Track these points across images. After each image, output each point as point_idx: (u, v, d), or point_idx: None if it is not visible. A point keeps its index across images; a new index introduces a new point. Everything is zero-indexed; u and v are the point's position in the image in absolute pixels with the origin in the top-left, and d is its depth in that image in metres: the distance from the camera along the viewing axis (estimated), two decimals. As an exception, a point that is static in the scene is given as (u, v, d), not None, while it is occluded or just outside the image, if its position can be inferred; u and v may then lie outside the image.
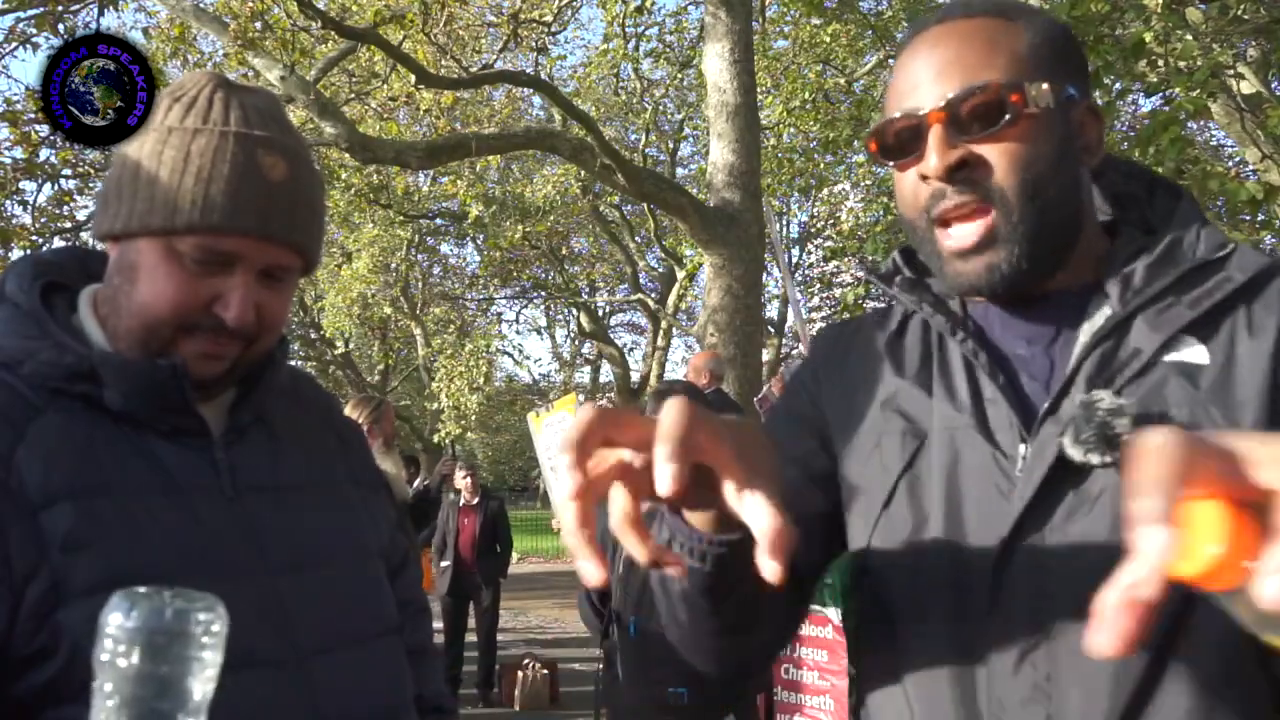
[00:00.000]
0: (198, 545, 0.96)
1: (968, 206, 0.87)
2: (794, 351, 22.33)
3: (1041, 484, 0.83)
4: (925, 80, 0.88)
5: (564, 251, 18.86)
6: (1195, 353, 0.84)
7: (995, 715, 0.83)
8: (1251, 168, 6.88)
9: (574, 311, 21.49)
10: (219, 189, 0.96)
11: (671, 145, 16.77)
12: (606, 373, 19.82)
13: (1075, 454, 0.82)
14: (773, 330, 18.86)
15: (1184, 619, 0.76)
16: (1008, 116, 0.85)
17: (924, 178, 0.89)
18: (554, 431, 5.37)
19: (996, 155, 0.86)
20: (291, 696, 0.97)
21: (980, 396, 0.90)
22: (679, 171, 16.39)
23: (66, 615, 0.88)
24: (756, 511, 0.64)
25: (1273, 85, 6.27)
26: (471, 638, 7.28)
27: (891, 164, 0.93)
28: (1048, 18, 0.93)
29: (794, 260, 21.50)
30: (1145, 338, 0.85)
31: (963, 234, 0.88)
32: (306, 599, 1.02)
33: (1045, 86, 0.87)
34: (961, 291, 0.93)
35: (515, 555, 18.83)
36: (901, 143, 0.90)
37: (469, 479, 7.31)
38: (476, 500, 7.30)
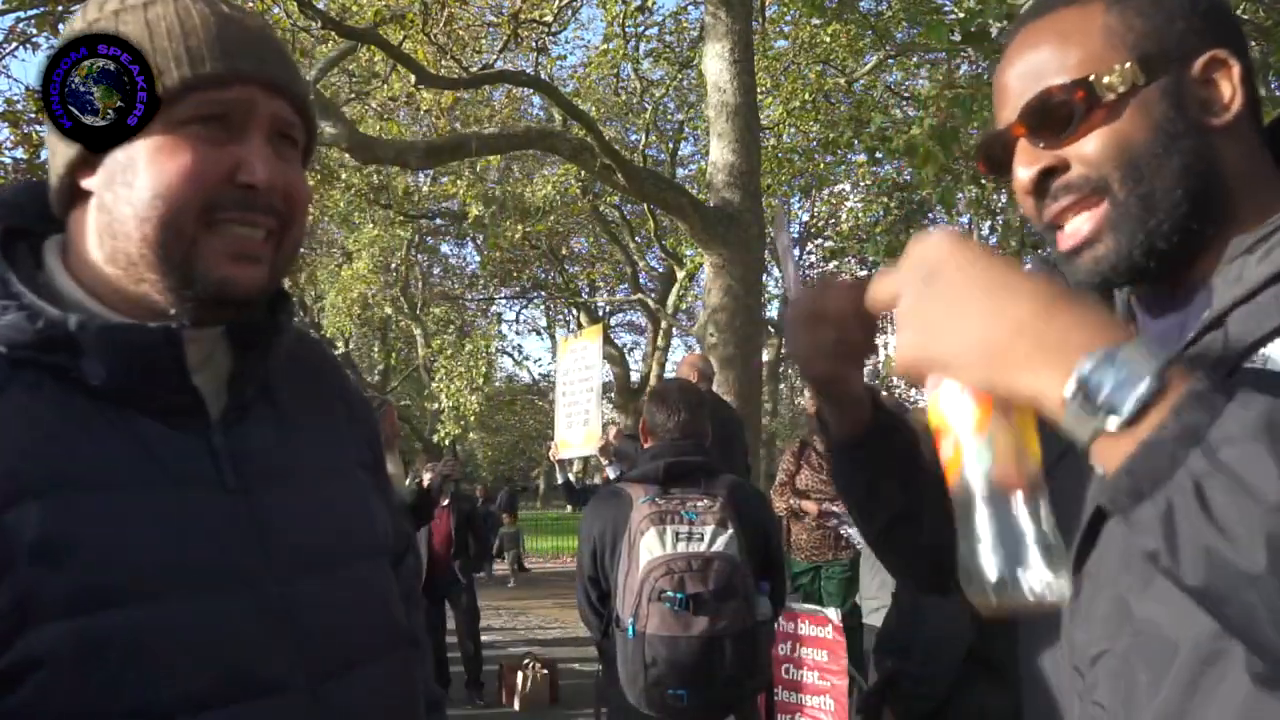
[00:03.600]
0: (192, 548, 0.83)
1: (1074, 205, 0.84)
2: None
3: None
4: (1010, 92, 0.88)
5: (564, 251, 18.88)
6: None
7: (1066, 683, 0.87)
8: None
9: (574, 311, 21.48)
10: (200, 39, 0.85)
11: (671, 145, 16.77)
12: (606, 372, 19.83)
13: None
14: (773, 330, 18.85)
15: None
16: (1078, 116, 0.82)
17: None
18: (575, 357, 5.69)
19: (1084, 151, 0.83)
20: None
21: None
22: (679, 171, 16.39)
23: (38, 640, 0.74)
24: None
25: (1272, 85, 6.27)
26: (451, 639, 7.27)
27: (1005, 179, 0.92)
28: None
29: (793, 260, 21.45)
30: (1235, 336, 0.77)
31: (1074, 228, 0.85)
32: (319, 609, 0.89)
33: (1128, 65, 0.82)
34: (1082, 289, 0.88)
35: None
36: (999, 159, 0.90)
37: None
38: (447, 501, 7.34)
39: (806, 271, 19.88)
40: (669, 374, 16.76)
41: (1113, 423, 0.59)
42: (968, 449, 0.65)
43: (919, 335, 0.67)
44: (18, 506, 0.75)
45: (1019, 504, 0.63)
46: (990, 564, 0.62)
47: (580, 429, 5.48)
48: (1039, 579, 0.61)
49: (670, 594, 2.63)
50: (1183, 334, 0.82)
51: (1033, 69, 0.86)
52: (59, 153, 0.87)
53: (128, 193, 0.84)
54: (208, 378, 0.89)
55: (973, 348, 0.65)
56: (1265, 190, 0.83)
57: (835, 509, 5.35)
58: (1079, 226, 0.84)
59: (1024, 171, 0.86)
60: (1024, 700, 0.98)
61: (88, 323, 0.82)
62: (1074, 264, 0.86)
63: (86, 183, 0.87)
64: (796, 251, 21.36)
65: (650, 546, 2.68)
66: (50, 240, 0.91)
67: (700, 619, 2.63)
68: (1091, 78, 0.82)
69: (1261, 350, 0.75)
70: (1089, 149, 0.82)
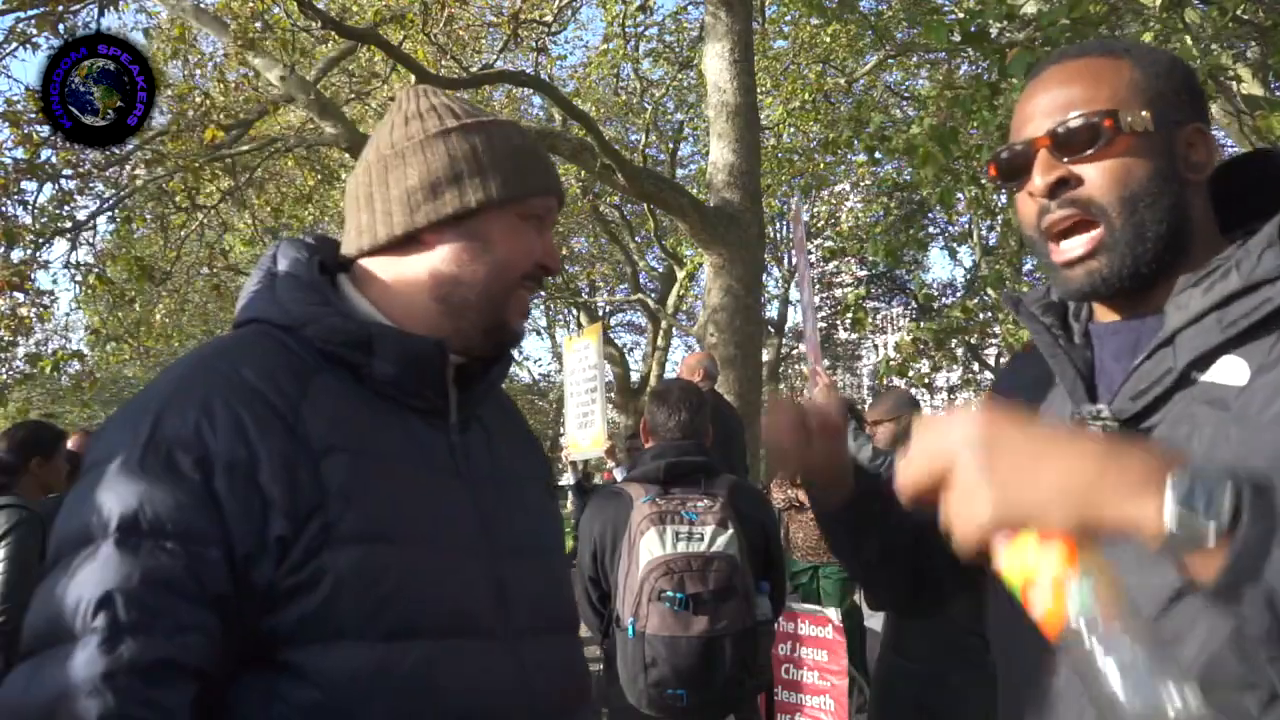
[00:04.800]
0: (439, 513, 1.07)
1: (1071, 219, 0.99)
2: (794, 351, 22.36)
3: None
4: (1037, 113, 1.02)
5: (564, 251, 18.86)
6: (1234, 373, 0.90)
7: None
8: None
9: (574, 311, 21.48)
10: (541, 160, 1.18)
11: (671, 145, 16.76)
12: (606, 372, 19.80)
13: None
14: (773, 330, 18.87)
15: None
16: (1102, 139, 0.97)
17: (1031, 194, 1.02)
18: (577, 357, 5.84)
19: (1095, 173, 0.98)
20: (506, 668, 1.06)
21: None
22: (679, 171, 16.39)
23: (332, 557, 0.96)
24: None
25: (1272, 86, 6.27)
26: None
27: (1010, 185, 1.06)
28: (1157, 53, 1.05)
29: (792, 260, 21.47)
30: (1181, 355, 0.93)
31: (1069, 246, 1.00)
32: (522, 581, 1.12)
33: (1145, 113, 0.98)
34: (1069, 297, 1.06)
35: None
36: (1015, 168, 1.03)
37: None
38: None
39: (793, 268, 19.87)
40: (669, 374, 16.76)
41: (1215, 531, 0.67)
42: (1069, 593, 0.68)
43: (1002, 493, 0.72)
44: (331, 456, 0.99)
45: (1126, 632, 0.67)
46: (1127, 697, 0.65)
47: (586, 430, 5.49)
48: (1174, 700, 0.64)
49: (670, 594, 2.63)
50: (1136, 349, 0.99)
51: (1065, 98, 1.00)
52: (421, 210, 1.12)
53: (484, 255, 1.13)
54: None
55: (1063, 492, 0.71)
56: (1213, 239, 1.02)
57: None
58: (1075, 245, 0.99)
59: (1041, 178, 0.99)
60: (1000, 677, 1.11)
61: (385, 330, 1.09)
62: (1067, 274, 1.01)
63: (432, 236, 1.13)
64: (795, 251, 21.35)
65: (650, 546, 2.68)
66: (341, 275, 1.17)
67: (700, 619, 2.63)
68: (1119, 111, 0.98)
69: (1206, 371, 0.91)
70: (1101, 173, 0.98)
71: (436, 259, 1.13)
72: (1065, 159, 0.98)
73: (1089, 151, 0.97)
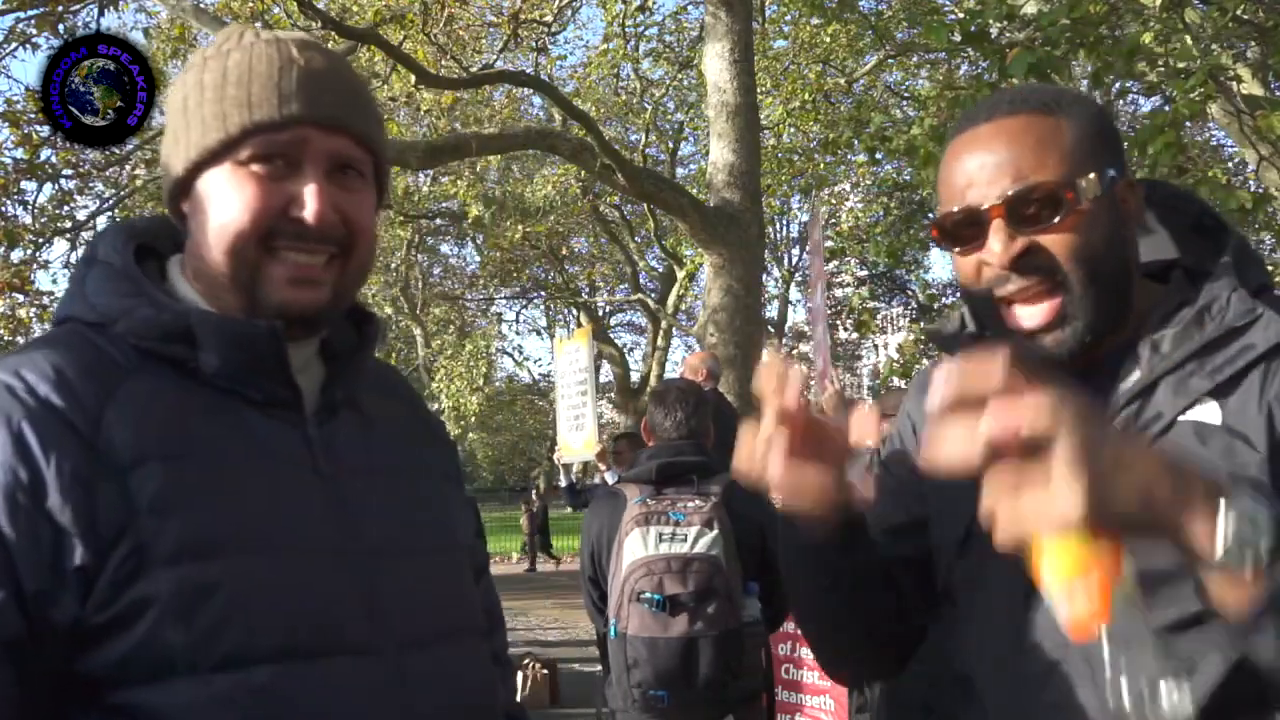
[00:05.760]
0: (286, 517, 0.93)
1: (1032, 290, 0.98)
2: (794, 351, 22.34)
3: None
4: (981, 179, 0.99)
5: (564, 251, 18.86)
6: (1209, 412, 0.94)
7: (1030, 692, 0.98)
8: (1251, 168, 6.89)
9: (574, 311, 21.48)
10: (261, 85, 0.95)
11: (671, 145, 16.76)
12: (606, 372, 19.83)
13: None
14: (773, 330, 18.86)
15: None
16: (1064, 210, 0.96)
17: (986, 263, 0.99)
18: (568, 359, 5.80)
19: (1057, 244, 0.97)
20: (382, 688, 0.92)
21: None
22: (679, 171, 16.38)
23: (149, 585, 0.84)
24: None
25: (1272, 86, 6.27)
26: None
27: (955, 250, 1.04)
28: (1085, 105, 1.04)
29: (794, 260, 21.49)
30: (1168, 403, 0.95)
31: (1032, 314, 0.98)
32: (400, 586, 0.98)
33: (1093, 176, 0.97)
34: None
35: (515, 555, 18.82)
36: (962, 232, 1.01)
37: None
38: None
39: (806, 272, 19.87)
40: (669, 374, 16.75)
41: (1258, 563, 0.70)
42: (1114, 596, 0.70)
43: (1095, 494, 0.67)
44: (141, 468, 0.86)
45: (1147, 638, 0.77)
46: (1129, 689, 0.75)
47: (578, 433, 5.51)
48: (1170, 703, 0.74)
49: (648, 595, 2.63)
50: (1096, 397, 0.97)
51: (1012, 166, 0.98)
52: (165, 184, 1.01)
53: (204, 220, 0.97)
54: (305, 379, 1.00)
55: (1144, 499, 0.70)
56: (1141, 281, 1.04)
57: None
58: (1035, 313, 0.98)
59: (1003, 249, 0.97)
60: (985, 686, 1.09)
61: (205, 317, 0.95)
62: (1031, 342, 0.99)
63: (184, 208, 1.00)
64: (796, 250, 21.32)
65: (633, 548, 2.68)
66: (174, 258, 1.04)
67: (679, 620, 2.62)
68: (1076, 180, 0.97)
69: (1187, 412, 0.94)
70: (1062, 243, 0.97)
71: (187, 234, 1.01)
72: (1027, 229, 0.97)
73: (1050, 223, 0.96)
